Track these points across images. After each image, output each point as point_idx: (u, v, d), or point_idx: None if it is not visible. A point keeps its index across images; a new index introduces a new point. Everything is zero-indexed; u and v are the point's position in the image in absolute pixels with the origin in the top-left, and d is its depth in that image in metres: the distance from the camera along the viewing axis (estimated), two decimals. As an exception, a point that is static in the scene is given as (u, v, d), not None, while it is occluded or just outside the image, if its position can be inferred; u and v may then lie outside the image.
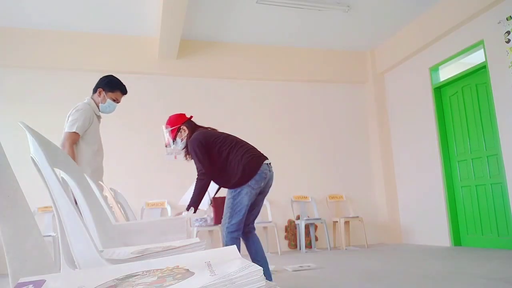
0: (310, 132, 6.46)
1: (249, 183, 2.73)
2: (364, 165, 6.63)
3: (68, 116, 2.93)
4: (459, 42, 5.16)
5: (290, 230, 6.02)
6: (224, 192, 2.96)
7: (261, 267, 0.66)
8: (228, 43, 6.20)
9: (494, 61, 4.65)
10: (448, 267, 3.61)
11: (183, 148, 2.98)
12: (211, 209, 5.12)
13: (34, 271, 0.84)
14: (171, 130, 2.96)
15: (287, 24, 5.73)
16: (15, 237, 0.83)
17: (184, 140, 2.95)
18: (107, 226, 1.57)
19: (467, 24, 5.01)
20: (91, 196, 1.48)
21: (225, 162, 2.78)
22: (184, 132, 2.96)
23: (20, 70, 5.42)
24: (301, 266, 4.03)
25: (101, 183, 2.91)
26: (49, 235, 4.68)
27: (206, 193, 2.99)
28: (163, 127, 3.03)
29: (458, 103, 5.37)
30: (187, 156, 3.03)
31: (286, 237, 6.03)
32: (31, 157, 1.03)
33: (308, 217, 5.96)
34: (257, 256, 2.84)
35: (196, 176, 2.81)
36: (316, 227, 6.08)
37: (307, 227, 5.94)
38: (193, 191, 2.80)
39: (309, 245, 5.91)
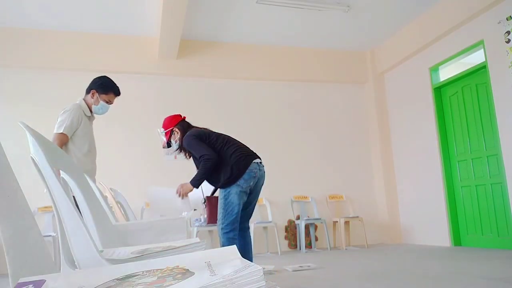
0: (310, 132, 6.46)
1: (238, 182, 2.79)
2: (364, 165, 6.63)
3: (57, 118, 2.92)
4: (459, 42, 5.16)
5: (290, 230, 6.02)
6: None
7: (261, 267, 0.66)
8: (228, 43, 6.20)
9: (494, 61, 4.65)
10: (448, 267, 3.61)
11: (177, 149, 3.05)
12: (205, 209, 5.10)
13: (34, 271, 0.84)
14: (165, 132, 3.04)
15: (287, 24, 5.73)
16: (15, 237, 0.83)
17: (178, 142, 3.02)
18: (107, 226, 1.57)
19: (467, 24, 5.01)
20: (91, 196, 1.48)
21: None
22: (177, 134, 3.04)
23: (20, 70, 5.42)
24: (301, 266, 4.03)
25: (101, 183, 2.91)
26: (49, 235, 4.68)
27: (200, 192, 3.08)
28: (158, 130, 3.10)
29: (458, 103, 5.37)
30: (187, 154, 3.09)
31: (286, 237, 6.03)
32: (31, 157, 1.03)
33: (308, 217, 5.96)
34: (243, 255, 2.84)
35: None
36: (316, 227, 6.08)
37: (307, 227, 5.93)
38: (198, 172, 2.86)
39: (309, 245, 5.91)
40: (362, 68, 6.78)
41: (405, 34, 5.99)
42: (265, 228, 5.71)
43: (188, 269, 0.74)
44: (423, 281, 3.03)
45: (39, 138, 1.04)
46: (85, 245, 1.04)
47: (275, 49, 6.38)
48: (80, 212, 1.22)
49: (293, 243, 5.99)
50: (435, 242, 5.58)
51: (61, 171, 1.28)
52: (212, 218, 3.13)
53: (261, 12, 5.32)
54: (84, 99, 3.07)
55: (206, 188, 3.12)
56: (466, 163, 5.26)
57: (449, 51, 5.33)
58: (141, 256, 1.13)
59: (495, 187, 4.83)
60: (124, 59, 5.73)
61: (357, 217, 5.92)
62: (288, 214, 6.02)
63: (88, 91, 3.07)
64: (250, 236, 3.08)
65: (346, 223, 6.00)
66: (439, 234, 5.51)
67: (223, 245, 2.79)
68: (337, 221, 6.00)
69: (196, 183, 2.84)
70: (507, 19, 4.44)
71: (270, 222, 5.60)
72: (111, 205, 2.42)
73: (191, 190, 2.89)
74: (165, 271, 0.75)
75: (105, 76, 3.14)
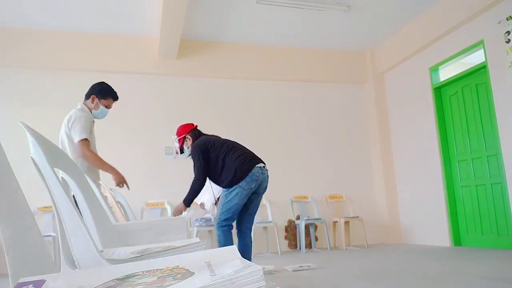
0: (310, 132, 6.46)
1: (240, 184, 3.04)
2: (364, 165, 6.63)
3: (68, 126, 2.95)
4: (459, 42, 5.16)
5: (290, 230, 6.02)
6: None
7: (261, 267, 0.66)
8: (228, 43, 6.20)
9: (494, 61, 4.65)
10: (448, 267, 3.61)
11: (189, 155, 3.36)
12: (216, 209, 5.12)
13: (34, 271, 0.84)
14: (178, 139, 3.38)
15: (287, 24, 5.73)
16: (15, 237, 0.83)
17: (190, 148, 3.35)
18: (107, 226, 1.57)
19: (467, 24, 5.01)
20: (91, 196, 1.48)
21: (221, 164, 3.12)
22: (189, 140, 3.36)
23: (20, 70, 5.42)
24: (301, 266, 4.03)
25: (101, 183, 2.92)
26: (49, 235, 4.69)
27: (211, 193, 3.45)
28: (172, 136, 3.45)
29: (458, 103, 5.37)
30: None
31: (286, 237, 6.03)
32: (31, 157, 1.03)
33: (308, 217, 5.96)
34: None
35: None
36: (316, 227, 6.08)
37: (307, 227, 5.94)
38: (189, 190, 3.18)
39: (309, 245, 5.91)
40: (362, 68, 6.78)
41: (405, 34, 5.99)
42: (265, 228, 5.71)
43: (188, 269, 0.74)
44: (423, 281, 3.03)
45: (39, 138, 1.04)
46: (85, 245, 1.04)
47: (275, 49, 6.38)
48: (80, 212, 1.22)
49: (293, 243, 5.99)
50: (435, 242, 5.58)
51: (61, 171, 1.28)
52: None
53: (261, 12, 5.32)
54: (85, 104, 3.17)
55: (216, 189, 3.41)
56: (466, 163, 5.26)
57: (449, 51, 5.33)
58: (141, 256, 1.13)
59: (495, 187, 4.83)
60: (124, 59, 5.73)
61: (357, 217, 5.92)
62: (288, 214, 6.02)
63: (87, 97, 3.18)
64: (251, 238, 3.23)
65: (346, 223, 6.00)
66: (439, 234, 5.51)
67: (218, 237, 3.06)
68: (337, 221, 6.00)
69: (187, 202, 3.15)
70: (507, 19, 4.44)
71: (270, 222, 5.60)
72: (111, 205, 2.42)
73: (184, 209, 3.18)
74: (165, 271, 0.75)
75: (103, 82, 3.26)
